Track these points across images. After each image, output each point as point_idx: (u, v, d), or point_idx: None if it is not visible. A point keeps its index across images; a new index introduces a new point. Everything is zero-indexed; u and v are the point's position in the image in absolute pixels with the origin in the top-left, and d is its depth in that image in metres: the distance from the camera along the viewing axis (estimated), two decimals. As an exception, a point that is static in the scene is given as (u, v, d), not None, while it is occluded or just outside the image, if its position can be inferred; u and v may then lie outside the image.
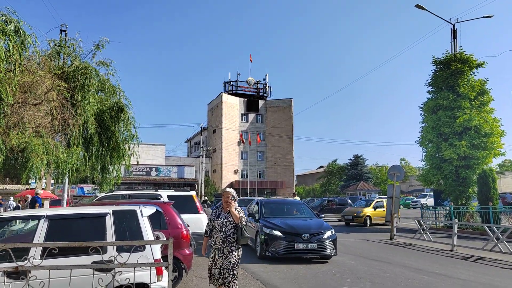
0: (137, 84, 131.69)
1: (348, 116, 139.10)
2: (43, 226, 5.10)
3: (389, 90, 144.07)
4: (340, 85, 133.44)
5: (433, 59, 22.01)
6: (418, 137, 22.34)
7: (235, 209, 5.76)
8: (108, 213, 5.36)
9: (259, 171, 59.46)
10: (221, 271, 5.53)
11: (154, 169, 47.66)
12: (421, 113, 22.35)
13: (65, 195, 19.18)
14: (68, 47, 13.44)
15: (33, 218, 5.50)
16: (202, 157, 49.94)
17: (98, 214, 5.41)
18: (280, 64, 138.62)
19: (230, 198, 5.82)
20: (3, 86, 8.01)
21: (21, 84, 8.88)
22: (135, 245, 4.90)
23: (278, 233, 10.45)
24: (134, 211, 5.53)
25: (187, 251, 7.64)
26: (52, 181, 39.45)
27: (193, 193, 10.60)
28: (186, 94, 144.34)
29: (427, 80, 22.35)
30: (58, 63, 12.58)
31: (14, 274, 4.52)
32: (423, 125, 22.03)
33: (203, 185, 47.01)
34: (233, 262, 5.57)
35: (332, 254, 10.56)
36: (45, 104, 9.23)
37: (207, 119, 64.46)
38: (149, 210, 5.80)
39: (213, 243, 5.76)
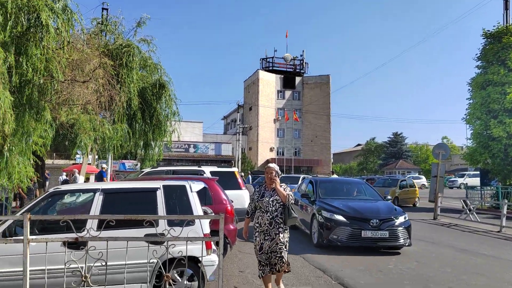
0: (174, 62, 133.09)
1: (387, 93, 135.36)
2: (98, 199, 5.27)
3: (432, 66, 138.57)
4: (379, 62, 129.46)
5: (483, 32, 20.84)
6: (465, 114, 21.42)
7: (281, 186, 5.41)
8: (159, 188, 5.47)
9: (295, 149, 59.24)
10: (269, 255, 5.24)
11: (192, 146, 48.47)
12: (469, 89, 21.35)
13: (109, 170, 19.91)
14: (111, 25, 13.60)
15: (89, 191, 5.69)
16: (239, 135, 50.23)
17: (150, 188, 5.53)
18: (317, 40, 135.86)
19: (274, 174, 5.42)
20: (53, 63, 8.20)
21: (70, 61, 9.08)
22: (188, 219, 4.98)
23: (340, 217, 8.91)
24: (184, 186, 5.61)
25: (231, 226, 7.75)
26: (96, 157, 40.93)
27: (235, 169, 10.68)
28: (223, 71, 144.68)
29: (476, 54, 21.26)
30: (102, 41, 12.79)
31: (74, 244, 4.72)
32: (471, 101, 21.06)
33: (239, 162, 47.43)
34: (280, 244, 5.25)
35: (406, 244, 8.95)
36: (93, 81, 9.44)
37: (243, 96, 64.47)
38: (198, 185, 5.87)
39: (257, 225, 5.43)
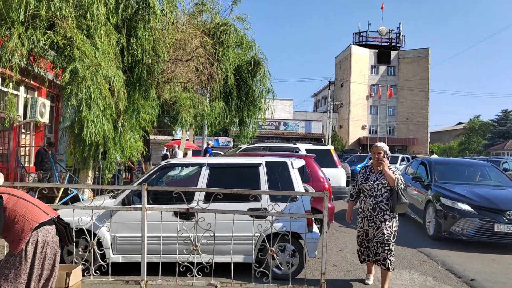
0: (264, 37, 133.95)
1: (494, 67, 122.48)
2: (205, 173, 5.48)
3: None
4: (485, 34, 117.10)
5: None
6: None
7: (389, 168, 4.88)
8: (261, 163, 5.53)
9: (389, 127, 56.58)
10: (374, 244, 4.87)
11: (282, 123, 48.72)
12: None
13: (204, 146, 20.87)
14: (208, 4, 13.90)
15: (196, 165, 5.96)
16: (329, 112, 49.28)
17: (253, 164, 5.62)
18: (416, 11, 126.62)
19: (382, 154, 4.89)
20: (159, 44, 8.65)
21: (173, 42, 9.51)
22: (292, 195, 4.98)
23: (466, 207, 7.51)
24: (285, 162, 5.61)
25: (329, 205, 7.63)
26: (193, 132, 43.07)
27: (330, 147, 10.49)
28: (313, 47, 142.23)
29: None
30: (200, 21, 13.17)
31: (183, 215, 5.00)
32: None
33: (330, 140, 46.71)
34: (387, 234, 4.78)
35: None
36: (194, 60, 9.80)
37: (334, 73, 62.90)
38: (299, 162, 5.85)
39: (360, 210, 5.07)
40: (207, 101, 13.26)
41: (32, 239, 3.35)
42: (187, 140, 24.68)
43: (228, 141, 41.43)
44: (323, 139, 47.31)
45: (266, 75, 14.31)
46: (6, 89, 9.45)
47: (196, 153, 25.25)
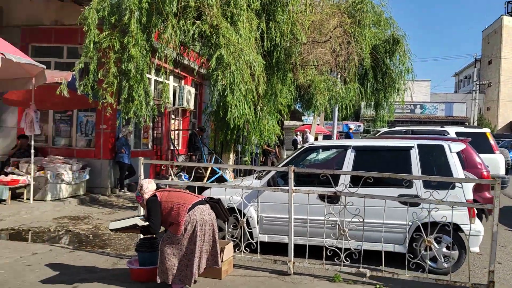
0: (399, 13, 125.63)
1: None
2: (350, 156, 5.23)
3: None
4: None
5: None
6: None
7: None
8: (413, 146, 5.08)
9: (552, 108, 48.43)
10: None
11: (418, 106, 45.20)
12: None
13: (335, 131, 20.38)
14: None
15: (341, 148, 5.77)
16: (475, 93, 44.16)
17: (403, 147, 5.20)
18: None
19: None
20: (297, 27, 8.58)
21: (310, 23, 9.35)
22: (454, 182, 4.46)
23: None
24: (441, 146, 5.05)
25: (487, 195, 6.72)
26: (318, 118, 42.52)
27: (487, 130, 9.27)
28: (455, 22, 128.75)
29: None
30: (334, 1, 12.73)
31: (329, 198, 4.84)
32: None
33: (475, 124, 41.91)
34: None
35: None
36: (332, 41, 9.52)
37: (481, 49, 55.93)
38: (458, 146, 5.22)
39: None
40: (341, 84, 12.85)
41: (191, 219, 3.71)
42: (317, 125, 24.46)
43: (358, 126, 39.99)
44: (467, 123, 42.64)
45: (406, 53, 13.28)
46: (160, 79, 10.50)
47: (326, 138, 24.92)
